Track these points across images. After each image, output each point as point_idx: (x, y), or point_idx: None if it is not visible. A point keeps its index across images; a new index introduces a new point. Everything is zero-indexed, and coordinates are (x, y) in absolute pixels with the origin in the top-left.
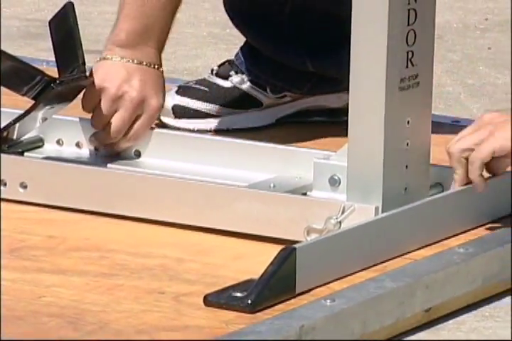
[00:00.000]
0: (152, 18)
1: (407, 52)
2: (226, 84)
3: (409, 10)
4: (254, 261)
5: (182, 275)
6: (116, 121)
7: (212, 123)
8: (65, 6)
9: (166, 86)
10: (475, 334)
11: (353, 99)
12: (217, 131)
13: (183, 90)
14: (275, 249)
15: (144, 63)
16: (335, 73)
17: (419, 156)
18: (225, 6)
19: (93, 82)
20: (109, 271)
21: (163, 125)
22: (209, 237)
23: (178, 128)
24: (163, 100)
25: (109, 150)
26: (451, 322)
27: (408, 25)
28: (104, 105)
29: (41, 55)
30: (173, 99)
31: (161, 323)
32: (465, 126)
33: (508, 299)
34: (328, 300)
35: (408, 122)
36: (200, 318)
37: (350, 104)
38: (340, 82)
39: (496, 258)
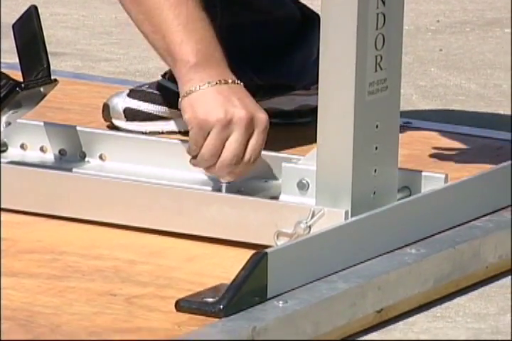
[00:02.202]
0: (202, 31)
1: (376, 57)
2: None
3: (377, 14)
4: (207, 263)
5: (134, 277)
6: (232, 146)
7: (164, 126)
8: (28, 9)
9: (118, 87)
10: (426, 334)
11: (321, 103)
12: (170, 133)
13: (134, 93)
14: (227, 251)
15: (230, 81)
16: (284, 81)
17: (387, 160)
18: None
19: (195, 120)
20: (61, 273)
21: (114, 127)
22: (161, 239)
23: (130, 131)
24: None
25: (232, 177)
26: (402, 322)
27: (377, 29)
28: (218, 135)
29: None
30: (124, 101)
31: (113, 325)
32: (416, 128)
33: (458, 299)
34: (281, 302)
35: (377, 126)
36: (152, 320)
37: (319, 108)
38: (292, 87)
39: (447, 259)
